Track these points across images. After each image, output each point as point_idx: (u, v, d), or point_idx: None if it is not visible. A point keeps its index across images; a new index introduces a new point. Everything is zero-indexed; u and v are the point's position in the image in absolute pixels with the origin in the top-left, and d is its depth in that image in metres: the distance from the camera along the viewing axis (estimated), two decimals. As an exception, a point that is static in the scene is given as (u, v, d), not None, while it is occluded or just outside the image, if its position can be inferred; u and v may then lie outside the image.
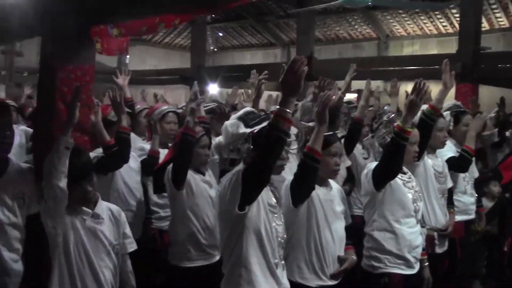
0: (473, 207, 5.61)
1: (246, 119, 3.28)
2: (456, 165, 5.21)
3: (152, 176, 5.06)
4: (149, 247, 5.15)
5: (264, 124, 3.26)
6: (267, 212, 3.24)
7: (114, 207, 3.67)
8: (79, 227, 3.35)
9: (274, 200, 3.38)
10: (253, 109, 3.58)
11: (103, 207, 3.55)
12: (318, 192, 3.73)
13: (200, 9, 4.18)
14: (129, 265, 3.72)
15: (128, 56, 18.27)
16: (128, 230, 3.68)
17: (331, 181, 3.95)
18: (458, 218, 5.31)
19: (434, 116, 4.63)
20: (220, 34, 19.10)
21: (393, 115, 4.37)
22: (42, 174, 3.37)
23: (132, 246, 3.71)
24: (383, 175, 4.08)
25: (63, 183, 3.19)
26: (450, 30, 13.26)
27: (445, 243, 4.96)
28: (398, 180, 4.12)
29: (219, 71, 13.52)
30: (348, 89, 5.62)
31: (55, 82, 3.65)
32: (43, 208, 3.25)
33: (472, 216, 5.61)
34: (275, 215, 3.31)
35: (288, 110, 2.91)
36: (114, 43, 4.39)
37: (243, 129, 3.22)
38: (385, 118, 4.44)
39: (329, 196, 3.81)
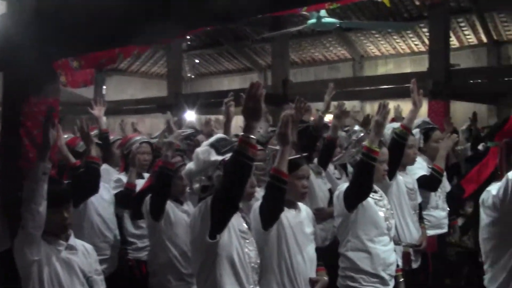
0: (446, 221, 5.65)
1: (217, 146, 3.29)
2: (426, 184, 5.29)
3: (129, 206, 5.09)
4: (127, 278, 5.15)
5: None
6: (238, 238, 3.27)
7: (86, 244, 3.68)
8: (53, 259, 3.33)
9: (245, 226, 3.41)
10: (225, 135, 3.59)
11: (76, 241, 3.56)
12: (287, 214, 3.71)
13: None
14: None
15: (105, 87, 18.29)
16: (99, 267, 3.69)
17: (299, 203, 3.95)
18: (431, 232, 5.36)
19: (406, 136, 4.69)
20: (197, 61, 19.16)
21: (362, 134, 4.41)
22: (9, 210, 3.38)
23: (103, 283, 3.70)
24: (354, 196, 4.12)
25: (42, 207, 3.19)
26: (423, 49, 13.42)
27: (419, 258, 5.01)
28: (370, 199, 4.16)
29: (196, 98, 13.56)
30: (328, 109, 5.63)
31: (19, 117, 3.63)
32: (20, 236, 3.22)
33: (445, 230, 5.65)
34: (247, 240, 3.33)
35: (252, 136, 2.95)
36: (79, 75, 4.39)
37: (214, 157, 3.22)
38: (354, 137, 4.46)
39: (298, 219, 3.79)
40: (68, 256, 3.41)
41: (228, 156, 3.20)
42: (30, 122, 3.66)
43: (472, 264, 6.90)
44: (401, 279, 4.39)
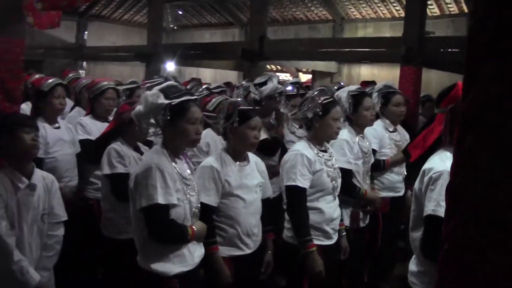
0: (400, 185, 5.80)
1: (167, 92, 3.39)
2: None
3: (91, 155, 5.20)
4: (86, 216, 5.28)
5: (184, 98, 3.41)
6: (182, 186, 3.41)
7: (48, 176, 3.81)
8: (12, 196, 3.49)
9: (188, 171, 3.55)
10: (177, 84, 3.70)
11: (38, 176, 3.68)
12: (233, 167, 3.92)
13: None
14: (60, 232, 3.83)
15: (86, 33, 18.24)
16: (57, 201, 3.81)
17: (250, 155, 4.12)
18: (384, 194, 5.54)
19: None
20: (180, 12, 19.04)
21: (316, 92, 4.51)
22: None
23: (64, 215, 3.84)
24: None
25: None
26: (403, 14, 13.40)
27: (367, 218, 5.15)
28: (318, 159, 4.30)
29: (176, 49, 13.46)
30: None
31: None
32: None
33: (400, 194, 5.79)
34: (189, 186, 3.48)
35: None
36: (46, 17, 4.48)
37: (162, 100, 3.32)
38: (309, 94, 4.57)
39: (244, 171, 3.98)
40: (27, 197, 3.56)
41: (175, 101, 3.34)
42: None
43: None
44: (344, 233, 4.60)
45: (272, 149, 5.30)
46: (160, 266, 3.31)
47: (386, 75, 12.76)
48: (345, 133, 4.78)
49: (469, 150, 1.42)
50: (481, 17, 1.41)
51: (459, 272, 1.45)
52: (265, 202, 4.17)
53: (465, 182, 1.44)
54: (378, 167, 5.52)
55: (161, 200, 3.23)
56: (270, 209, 4.25)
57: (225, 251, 3.87)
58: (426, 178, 3.08)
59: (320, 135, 4.39)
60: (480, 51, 1.40)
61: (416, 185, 3.22)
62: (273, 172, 4.99)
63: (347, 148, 4.83)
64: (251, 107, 4.04)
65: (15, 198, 3.49)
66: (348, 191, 4.66)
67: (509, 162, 1.34)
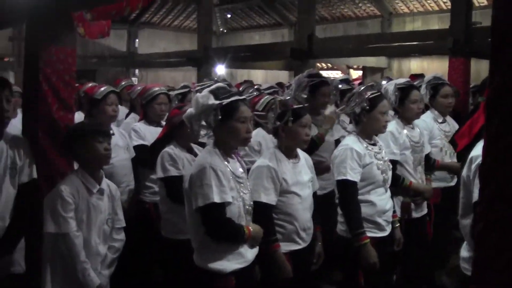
0: (452, 176, 5.79)
1: (217, 93, 3.47)
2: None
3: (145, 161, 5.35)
4: (142, 220, 5.41)
5: (234, 98, 3.50)
6: (235, 184, 3.48)
7: (112, 184, 3.96)
8: (84, 203, 3.62)
9: (241, 170, 3.63)
10: (225, 85, 3.79)
11: (105, 183, 3.82)
12: (287, 164, 4.02)
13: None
14: (123, 236, 3.96)
15: (137, 40, 18.56)
16: (120, 208, 3.95)
17: (299, 151, 4.21)
18: (435, 184, 5.53)
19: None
20: (229, 15, 19.21)
21: (363, 87, 4.56)
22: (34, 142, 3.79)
23: (124, 222, 3.99)
24: None
25: None
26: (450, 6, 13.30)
27: (422, 207, 5.13)
28: (368, 153, 4.35)
29: (226, 52, 13.58)
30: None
31: (39, 64, 3.93)
32: None
33: (451, 184, 5.77)
34: (242, 184, 3.56)
35: None
36: (95, 27, 4.66)
37: (212, 101, 3.41)
38: (356, 89, 4.63)
39: (297, 168, 4.08)
40: (98, 201, 3.69)
41: (225, 101, 3.43)
42: (48, 69, 3.98)
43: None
44: (397, 225, 4.63)
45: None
46: (217, 264, 3.41)
47: (436, 67, 12.64)
48: (391, 125, 4.80)
49: (495, 132, 1.49)
50: (501, 7, 1.48)
51: (491, 250, 1.51)
52: (313, 195, 4.26)
53: (494, 163, 1.50)
54: (428, 163, 5.48)
55: (217, 199, 3.32)
56: (317, 202, 4.32)
57: (284, 246, 3.96)
58: (473, 166, 3.13)
59: (368, 129, 4.43)
60: (501, 39, 1.48)
61: (464, 172, 3.27)
62: (322, 168, 5.05)
63: (391, 139, 4.84)
64: (302, 105, 4.14)
65: (87, 201, 3.62)
66: (392, 181, 4.67)
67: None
